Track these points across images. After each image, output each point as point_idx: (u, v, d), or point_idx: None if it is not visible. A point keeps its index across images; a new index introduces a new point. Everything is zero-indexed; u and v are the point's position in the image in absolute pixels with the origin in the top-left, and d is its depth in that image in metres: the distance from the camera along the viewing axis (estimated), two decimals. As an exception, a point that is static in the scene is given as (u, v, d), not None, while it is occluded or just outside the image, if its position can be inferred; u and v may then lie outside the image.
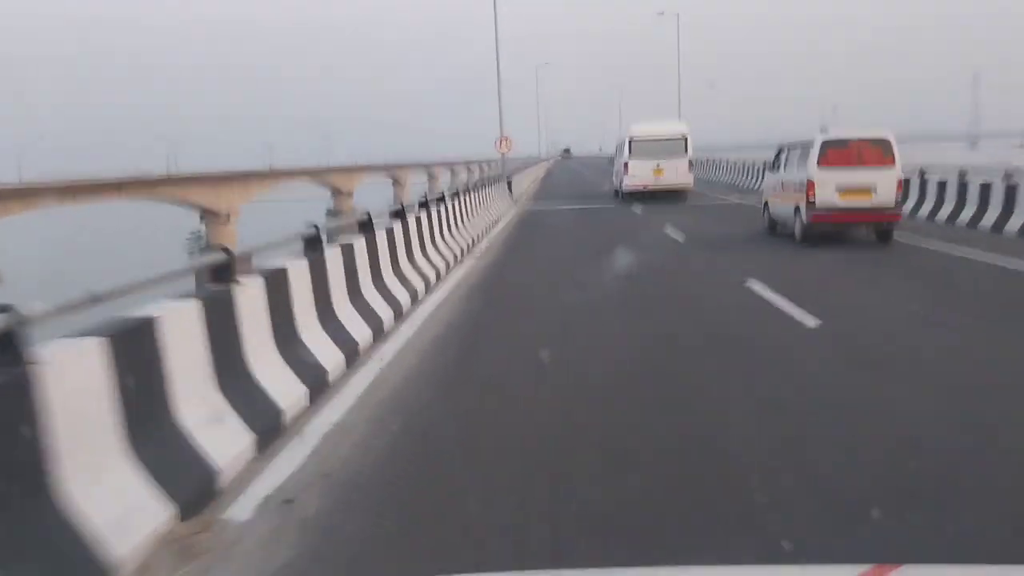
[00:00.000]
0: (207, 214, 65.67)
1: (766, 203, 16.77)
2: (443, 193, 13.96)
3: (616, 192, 28.71)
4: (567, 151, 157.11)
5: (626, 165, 26.76)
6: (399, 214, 10.45)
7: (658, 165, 26.13)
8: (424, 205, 12.27)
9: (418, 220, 11.23)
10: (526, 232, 19.07)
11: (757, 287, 9.88)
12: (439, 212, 12.98)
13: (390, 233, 9.47)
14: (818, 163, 13.74)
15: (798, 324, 7.92)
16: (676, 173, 26.27)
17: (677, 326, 8.28)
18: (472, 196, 17.53)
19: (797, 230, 14.40)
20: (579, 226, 20.30)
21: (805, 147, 14.38)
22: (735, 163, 39.37)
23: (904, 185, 15.02)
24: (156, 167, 76.78)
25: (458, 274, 11.88)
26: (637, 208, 23.94)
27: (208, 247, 59.51)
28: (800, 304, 8.60)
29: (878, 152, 13.72)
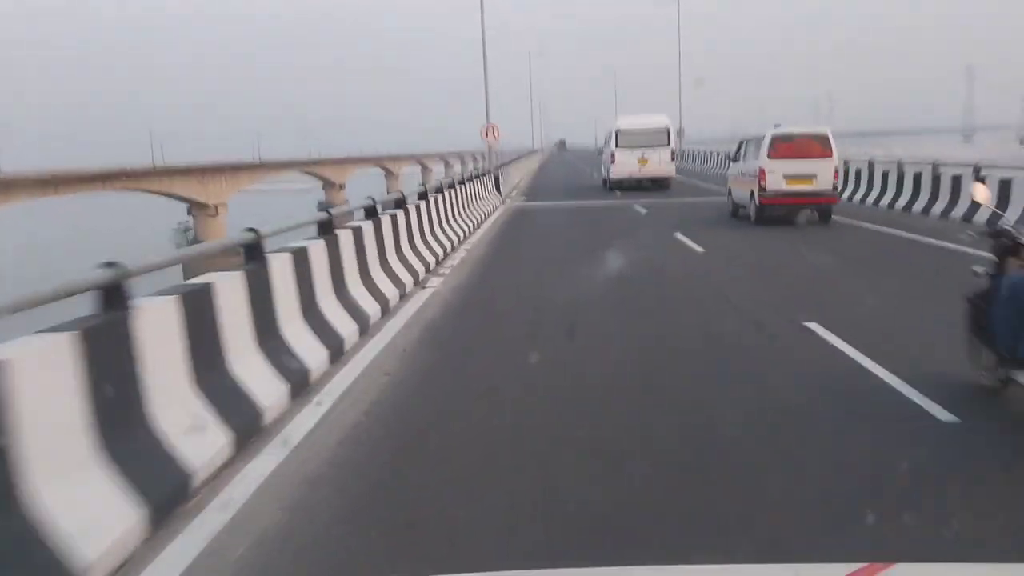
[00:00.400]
0: (195, 206, 62.96)
1: (730, 189, 18.43)
2: (401, 194, 10.94)
3: (604, 182, 29.30)
4: (562, 143, 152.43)
5: (613, 155, 27.76)
6: (325, 227, 7.47)
7: (643, 155, 27.22)
8: (372, 213, 9.27)
9: (356, 235, 8.22)
10: (512, 239, 15.97)
11: (824, 333, 7.01)
12: (394, 222, 10.03)
13: (298, 257, 6.48)
14: (768, 155, 15.55)
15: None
16: (659, 163, 27.38)
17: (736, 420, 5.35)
18: (447, 196, 14.54)
19: (752, 212, 16.23)
20: (576, 232, 16.98)
21: (758, 141, 16.15)
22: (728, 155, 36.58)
23: (840, 173, 16.77)
24: (145, 159, 74.38)
25: (407, 311, 8.62)
26: (640, 208, 21.05)
27: (196, 240, 57.01)
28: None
29: (818, 145, 15.62)
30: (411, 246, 10.53)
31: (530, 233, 17.09)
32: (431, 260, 11.16)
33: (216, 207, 64.31)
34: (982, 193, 6.50)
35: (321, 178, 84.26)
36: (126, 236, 51.31)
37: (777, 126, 16.23)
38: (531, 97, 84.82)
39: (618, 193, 26.35)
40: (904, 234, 14.04)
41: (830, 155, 15.56)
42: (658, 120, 28.63)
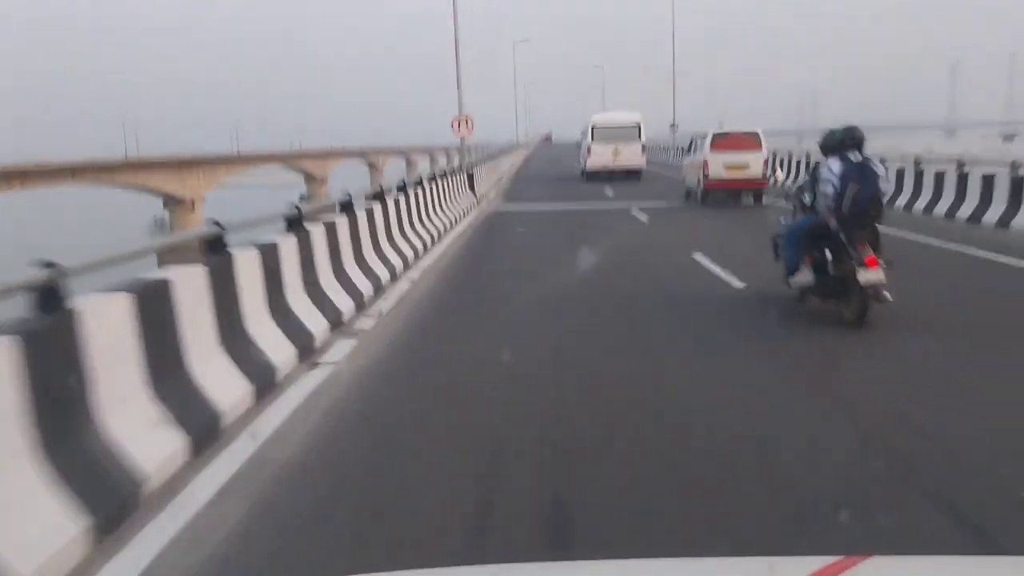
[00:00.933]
0: (170, 201, 59.30)
1: (684, 177, 21.68)
2: (297, 208, 7.03)
3: (582, 172, 31.47)
4: (548, 137, 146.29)
5: (589, 148, 30.30)
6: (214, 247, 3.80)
7: (616, 148, 29.51)
8: (214, 249, 5.43)
9: (221, 272, 4.51)
10: (484, 259, 12.26)
11: None
12: (302, 245, 6.29)
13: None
14: (710, 148, 18.85)
15: None
16: (631, 155, 29.74)
17: None
18: (397, 203, 10.75)
19: (699, 195, 19.37)
20: (566, 247, 12.66)
21: (704, 138, 19.55)
22: None
23: (771, 163, 19.45)
24: (118, 151, 70.79)
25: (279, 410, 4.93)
26: (640, 214, 17.43)
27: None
28: None
29: (751, 141, 18.94)
30: (308, 288, 6.69)
31: (504, 250, 13.35)
32: (345, 307, 7.33)
33: (192, 202, 59.93)
34: (780, 175, 11.36)
35: (303, 172, 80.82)
36: (99, 231, 47.43)
37: (720, 126, 20.58)
38: (515, 89, 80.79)
39: (610, 193, 23.58)
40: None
41: (760, 148, 18.86)
42: (631, 117, 31.06)
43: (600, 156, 29.75)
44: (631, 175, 29.39)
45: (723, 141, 18.90)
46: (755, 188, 18.76)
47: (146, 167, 60.72)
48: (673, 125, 55.98)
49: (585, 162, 30.81)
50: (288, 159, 79.91)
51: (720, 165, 18.59)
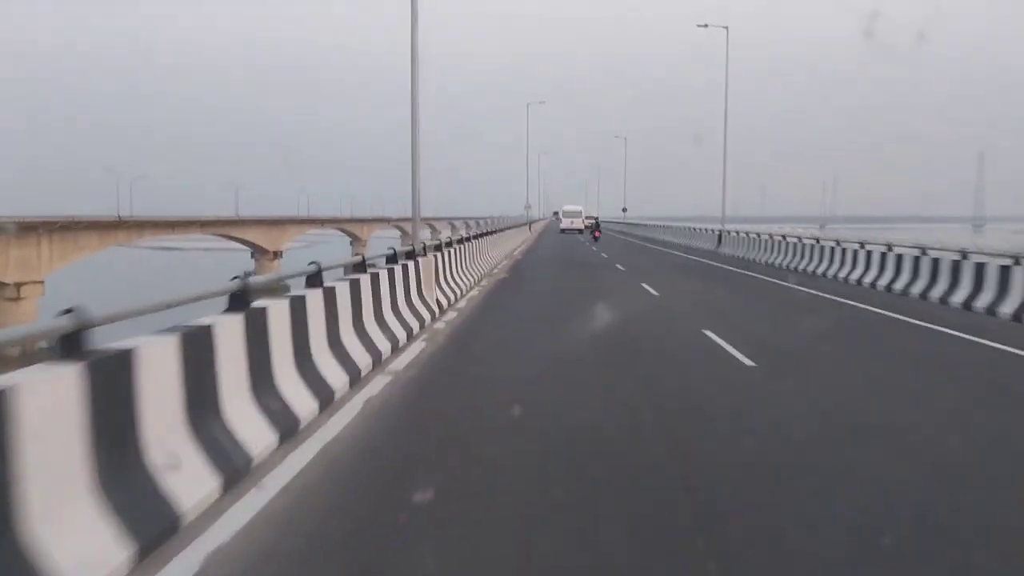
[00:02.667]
0: None
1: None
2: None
3: (561, 231, 79.52)
4: (557, 214, 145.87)
5: (561, 219, 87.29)
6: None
7: (572, 220, 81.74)
8: None
9: None
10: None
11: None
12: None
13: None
14: (563, 214, 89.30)
15: None
16: (578, 223, 79.52)
17: None
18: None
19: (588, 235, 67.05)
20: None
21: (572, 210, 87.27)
22: (769, 238, 34.54)
23: (588, 222, 78.36)
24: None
25: None
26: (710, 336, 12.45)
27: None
28: None
29: (580, 212, 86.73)
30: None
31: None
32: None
33: (19, 287, 45.64)
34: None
35: (242, 242, 77.82)
36: None
37: (624, 210, 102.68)
38: (527, 156, 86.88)
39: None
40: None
41: (580, 215, 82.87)
42: (578, 207, 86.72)
43: (565, 223, 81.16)
44: (579, 231, 74.63)
45: (567, 212, 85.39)
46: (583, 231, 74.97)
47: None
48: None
49: (560, 224, 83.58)
50: (211, 227, 75.51)
51: (567, 221, 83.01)
